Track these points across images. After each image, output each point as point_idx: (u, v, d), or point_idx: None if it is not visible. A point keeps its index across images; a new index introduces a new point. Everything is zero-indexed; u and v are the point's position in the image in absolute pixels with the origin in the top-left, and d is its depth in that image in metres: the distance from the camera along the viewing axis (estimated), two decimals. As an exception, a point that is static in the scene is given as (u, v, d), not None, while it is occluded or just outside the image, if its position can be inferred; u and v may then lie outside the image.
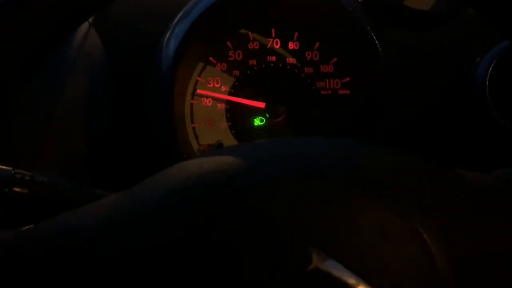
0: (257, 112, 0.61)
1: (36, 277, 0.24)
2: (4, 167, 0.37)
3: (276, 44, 0.62)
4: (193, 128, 0.61)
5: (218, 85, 0.61)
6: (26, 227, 0.26)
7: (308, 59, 0.62)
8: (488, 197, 0.28)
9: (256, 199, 0.24)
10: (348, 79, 0.62)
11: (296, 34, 0.62)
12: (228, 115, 0.61)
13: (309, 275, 0.22)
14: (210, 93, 0.61)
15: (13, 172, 0.37)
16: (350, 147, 0.29)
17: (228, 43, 0.61)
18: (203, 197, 0.24)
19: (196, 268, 0.23)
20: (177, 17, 0.56)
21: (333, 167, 0.26)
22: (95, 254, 0.24)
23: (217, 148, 0.60)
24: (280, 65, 0.62)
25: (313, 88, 0.62)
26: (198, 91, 0.61)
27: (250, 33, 0.61)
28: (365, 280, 0.22)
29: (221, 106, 0.61)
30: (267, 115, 0.61)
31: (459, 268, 0.24)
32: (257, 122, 0.61)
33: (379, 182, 0.26)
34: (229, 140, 0.61)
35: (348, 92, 0.62)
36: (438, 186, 0.27)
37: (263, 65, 0.62)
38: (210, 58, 0.61)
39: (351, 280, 0.22)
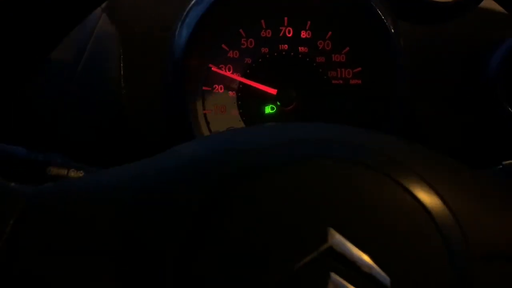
0: (268, 100, 0.62)
1: (55, 228, 0.25)
2: (20, 147, 0.38)
3: (289, 32, 0.62)
4: (205, 115, 0.61)
5: (230, 72, 0.61)
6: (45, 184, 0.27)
7: (320, 48, 0.62)
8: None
9: (268, 180, 0.25)
10: (360, 69, 0.62)
11: (308, 23, 0.62)
12: (239, 103, 0.62)
13: (323, 254, 0.23)
14: (222, 80, 0.62)
15: (27, 152, 0.38)
16: (363, 132, 0.29)
17: (241, 30, 0.61)
18: (217, 176, 0.25)
19: (207, 248, 0.23)
20: (190, 4, 0.57)
21: (349, 150, 0.27)
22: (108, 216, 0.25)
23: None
24: (292, 53, 0.62)
25: (325, 77, 0.62)
26: (210, 77, 0.61)
27: (262, 21, 0.61)
28: (378, 264, 0.22)
29: (232, 93, 0.62)
30: (278, 103, 0.62)
31: (475, 264, 0.24)
32: (268, 110, 0.62)
33: (398, 168, 0.26)
34: (240, 127, 0.62)
35: (359, 82, 0.62)
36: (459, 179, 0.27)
37: (275, 53, 0.62)
38: (223, 45, 0.61)
39: (364, 263, 0.22)
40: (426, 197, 0.25)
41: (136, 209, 0.25)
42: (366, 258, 0.23)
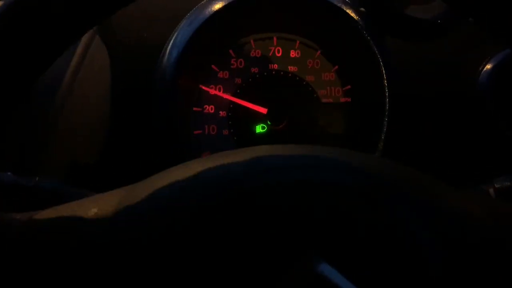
0: (259, 119, 0.62)
1: (45, 261, 0.24)
2: (8, 173, 0.38)
3: (278, 52, 0.62)
4: (196, 135, 0.61)
5: (220, 92, 0.62)
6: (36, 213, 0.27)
7: (309, 67, 0.62)
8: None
9: (260, 202, 0.25)
10: (349, 87, 0.62)
11: (297, 42, 0.62)
12: (230, 122, 0.62)
13: (308, 279, 0.22)
14: (213, 101, 0.62)
15: (14, 177, 0.38)
16: (354, 157, 0.29)
17: (230, 51, 0.62)
18: (208, 199, 0.25)
19: (200, 268, 0.23)
20: (180, 26, 0.57)
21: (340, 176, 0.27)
22: (99, 246, 0.24)
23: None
24: (281, 73, 0.62)
25: (315, 95, 0.62)
26: (201, 98, 0.62)
27: (252, 41, 0.62)
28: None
29: (223, 113, 0.62)
30: (269, 122, 0.62)
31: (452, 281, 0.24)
32: (258, 129, 0.62)
33: (381, 192, 0.26)
34: (231, 147, 0.62)
35: (349, 99, 0.63)
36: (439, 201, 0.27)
37: (265, 73, 0.62)
38: (213, 66, 0.62)
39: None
40: (410, 220, 0.25)
41: (119, 239, 0.25)
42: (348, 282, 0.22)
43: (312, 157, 0.28)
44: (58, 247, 0.25)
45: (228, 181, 0.26)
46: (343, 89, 0.63)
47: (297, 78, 0.62)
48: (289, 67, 0.62)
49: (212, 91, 0.61)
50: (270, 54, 0.62)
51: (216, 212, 0.24)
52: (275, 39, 0.62)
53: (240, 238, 0.24)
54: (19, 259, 0.24)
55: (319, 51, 0.62)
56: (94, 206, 0.26)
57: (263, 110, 0.61)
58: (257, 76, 0.62)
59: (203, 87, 0.61)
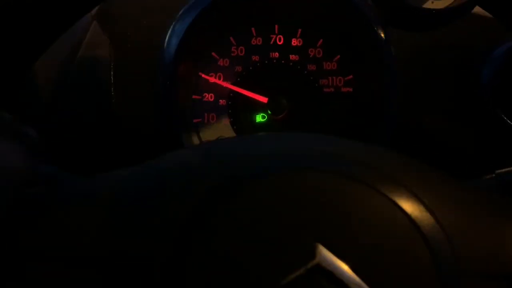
0: (259, 108, 0.61)
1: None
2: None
3: (279, 40, 0.62)
4: (195, 123, 0.61)
5: (220, 81, 0.61)
6: None
7: (311, 56, 0.62)
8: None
9: (259, 190, 0.24)
10: (351, 76, 0.62)
11: (299, 30, 0.62)
12: (230, 111, 0.61)
13: (310, 271, 0.22)
14: (212, 89, 0.61)
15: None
16: (354, 146, 0.29)
17: (231, 38, 0.61)
18: (204, 186, 0.25)
19: (197, 258, 0.23)
20: (180, 13, 0.56)
21: (336, 162, 0.26)
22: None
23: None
24: (283, 61, 0.61)
25: (316, 85, 0.62)
26: (200, 86, 0.61)
27: (253, 29, 0.61)
28: (365, 281, 0.22)
29: (223, 101, 0.61)
30: (269, 112, 0.61)
31: (463, 281, 0.24)
32: (259, 118, 0.61)
33: (387, 181, 0.25)
34: (231, 135, 0.61)
35: (351, 89, 0.62)
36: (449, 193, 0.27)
37: (266, 61, 0.61)
38: (213, 54, 0.61)
39: (351, 280, 0.22)
40: (415, 211, 0.24)
41: (124, 217, 0.25)
42: (353, 275, 0.22)
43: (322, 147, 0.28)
44: (57, 225, 0.25)
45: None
46: (345, 79, 0.62)
47: (299, 67, 0.61)
48: (290, 55, 0.62)
49: (212, 79, 0.61)
50: (271, 42, 0.62)
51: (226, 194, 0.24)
52: (276, 27, 0.62)
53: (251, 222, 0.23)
54: (19, 236, 0.25)
55: (321, 40, 0.62)
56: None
57: (263, 99, 0.60)
58: (258, 64, 0.61)
59: (203, 75, 0.61)
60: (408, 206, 0.25)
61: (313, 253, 0.22)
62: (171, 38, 0.55)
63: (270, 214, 0.24)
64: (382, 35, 0.57)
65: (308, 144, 0.28)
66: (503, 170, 0.38)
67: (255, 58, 0.61)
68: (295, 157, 0.26)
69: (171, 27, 0.56)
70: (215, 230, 0.23)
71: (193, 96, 0.61)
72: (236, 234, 0.23)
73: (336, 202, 0.24)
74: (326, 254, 0.22)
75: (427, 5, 0.54)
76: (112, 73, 0.60)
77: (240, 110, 0.61)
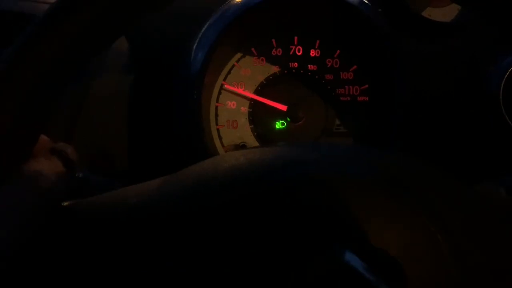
0: (278, 115, 0.64)
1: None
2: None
3: (298, 51, 0.64)
4: (218, 130, 0.64)
5: (242, 89, 0.64)
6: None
7: (328, 66, 0.64)
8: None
9: (289, 195, 0.27)
10: (367, 86, 0.64)
11: (317, 42, 0.64)
12: (251, 118, 0.64)
13: (335, 270, 0.24)
14: (234, 97, 0.64)
15: None
16: (379, 155, 0.31)
17: (253, 49, 0.64)
18: (239, 190, 0.27)
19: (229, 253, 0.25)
20: (205, 26, 0.59)
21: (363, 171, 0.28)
22: (137, 239, 0.27)
23: (241, 149, 0.62)
24: (301, 71, 0.64)
25: (333, 94, 0.64)
26: (223, 94, 0.64)
27: (273, 40, 0.64)
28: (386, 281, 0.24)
29: (244, 109, 0.64)
30: (288, 119, 0.64)
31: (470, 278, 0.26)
32: (278, 125, 0.64)
33: (408, 189, 0.27)
34: (252, 142, 0.64)
35: (367, 98, 0.64)
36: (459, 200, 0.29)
37: (285, 71, 0.64)
38: (235, 64, 0.64)
39: (373, 280, 0.24)
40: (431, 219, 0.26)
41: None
42: (374, 275, 0.24)
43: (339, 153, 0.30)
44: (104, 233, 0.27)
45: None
46: (361, 88, 0.64)
47: (316, 77, 0.64)
48: (308, 65, 0.64)
49: (234, 89, 0.64)
50: (290, 53, 0.64)
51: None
52: (296, 38, 0.64)
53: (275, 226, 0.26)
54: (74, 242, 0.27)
55: (338, 51, 0.64)
56: (134, 195, 0.29)
57: (283, 108, 0.63)
58: (278, 74, 0.64)
59: (226, 85, 0.64)
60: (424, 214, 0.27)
61: (336, 253, 0.24)
62: (197, 50, 0.58)
63: (293, 217, 0.26)
64: (396, 45, 0.59)
65: (327, 152, 0.30)
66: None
67: (275, 68, 0.64)
68: (319, 166, 0.28)
69: (197, 39, 0.59)
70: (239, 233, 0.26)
71: (216, 104, 0.64)
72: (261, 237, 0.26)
73: (356, 206, 0.26)
74: (349, 255, 0.24)
75: (438, 17, 0.56)
76: (133, 80, 0.62)
77: (261, 117, 0.64)
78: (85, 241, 0.27)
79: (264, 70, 0.64)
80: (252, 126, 0.64)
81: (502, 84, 0.58)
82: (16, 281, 0.26)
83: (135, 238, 0.27)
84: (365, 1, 0.59)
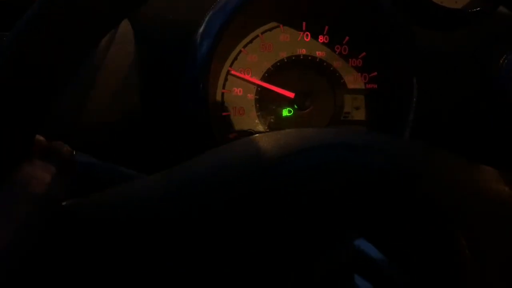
0: (285, 103, 0.63)
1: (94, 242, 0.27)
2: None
3: (307, 37, 0.63)
4: (224, 117, 0.63)
5: (249, 76, 0.63)
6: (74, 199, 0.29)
7: (337, 52, 0.63)
8: None
9: (299, 184, 0.27)
10: (376, 73, 0.63)
11: (326, 28, 0.63)
12: (257, 105, 0.63)
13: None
14: (241, 84, 0.63)
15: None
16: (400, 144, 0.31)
17: (260, 35, 0.63)
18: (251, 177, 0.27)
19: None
20: (211, 12, 0.58)
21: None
22: (146, 228, 0.27)
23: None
24: (309, 57, 0.63)
25: (341, 81, 0.63)
26: (230, 80, 0.63)
27: (281, 26, 0.63)
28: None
29: (251, 96, 0.63)
30: (296, 106, 0.63)
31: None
32: (285, 113, 0.63)
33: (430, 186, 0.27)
34: (259, 129, 0.63)
35: (375, 86, 0.64)
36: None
37: (293, 57, 0.63)
38: (242, 49, 0.63)
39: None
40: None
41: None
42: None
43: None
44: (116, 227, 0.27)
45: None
46: (370, 75, 0.63)
47: (325, 64, 0.63)
48: (317, 52, 0.63)
49: (241, 75, 0.63)
50: (298, 39, 0.63)
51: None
52: (304, 24, 0.63)
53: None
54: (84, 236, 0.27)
55: (347, 38, 0.63)
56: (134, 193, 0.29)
57: (290, 95, 0.62)
58: (286, 61, 0.63)
59: (233, 71, 0.63)
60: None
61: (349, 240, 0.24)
62: (204, 36, 0.57)
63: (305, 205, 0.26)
64: (406, 33, 0.58)
65: (341, 137, 0.30)
66: None
67: (283, 54, 0.63)
68: (330, 151, 0.28)
69: (203, 25, 0.58)
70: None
71: (223, 91, 0.63)
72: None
73: (370, 194, 0.26)
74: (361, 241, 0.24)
75: (450, 4, 0.55)
76: (140, 67, 0.62)
77: (268, 104, 0.63)
78: (86, 242, 0.27)
79: (271, 56, 0.63)
80: (259, 113, 0.63)
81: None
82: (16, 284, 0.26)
83: (135, 238, 0.27)
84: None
